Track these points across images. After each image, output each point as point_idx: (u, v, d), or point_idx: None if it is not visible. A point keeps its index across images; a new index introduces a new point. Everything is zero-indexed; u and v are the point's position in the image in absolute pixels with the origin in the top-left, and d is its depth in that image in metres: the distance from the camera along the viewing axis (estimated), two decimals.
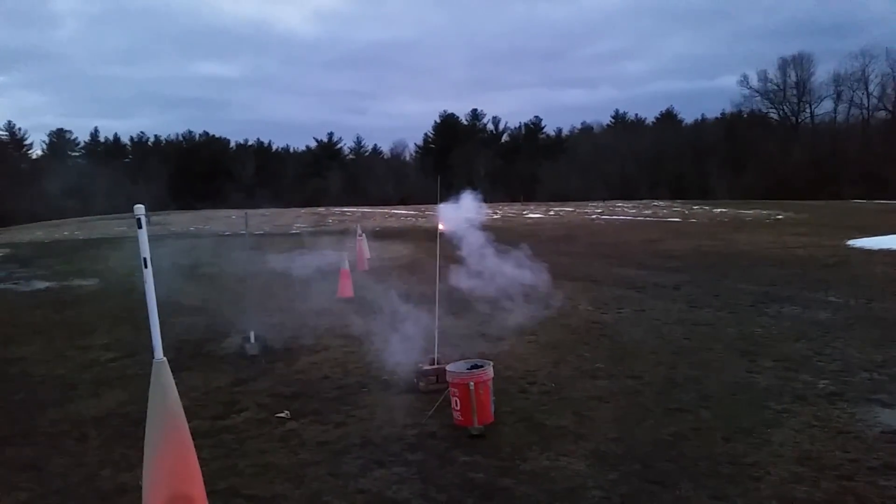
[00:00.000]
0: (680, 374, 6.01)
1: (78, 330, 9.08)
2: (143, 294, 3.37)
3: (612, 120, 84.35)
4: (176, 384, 3.39)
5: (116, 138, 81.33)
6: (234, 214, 41.81)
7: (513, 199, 56.65)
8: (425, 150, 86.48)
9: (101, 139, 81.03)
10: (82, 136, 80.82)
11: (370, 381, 6.10)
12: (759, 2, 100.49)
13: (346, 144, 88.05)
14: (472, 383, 4.70)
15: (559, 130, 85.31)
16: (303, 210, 49.85)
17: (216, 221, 38.88)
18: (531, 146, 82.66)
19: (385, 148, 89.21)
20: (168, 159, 76.65)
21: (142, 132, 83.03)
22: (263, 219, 38.22)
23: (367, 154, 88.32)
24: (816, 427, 4.64)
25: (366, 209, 50.19)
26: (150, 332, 3.36)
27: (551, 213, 40.52)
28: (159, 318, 3.37)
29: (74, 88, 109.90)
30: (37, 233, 34.79)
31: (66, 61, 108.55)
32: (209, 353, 7.48)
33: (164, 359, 3.34)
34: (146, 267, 3.35)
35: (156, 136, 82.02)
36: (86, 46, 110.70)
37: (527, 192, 63.74)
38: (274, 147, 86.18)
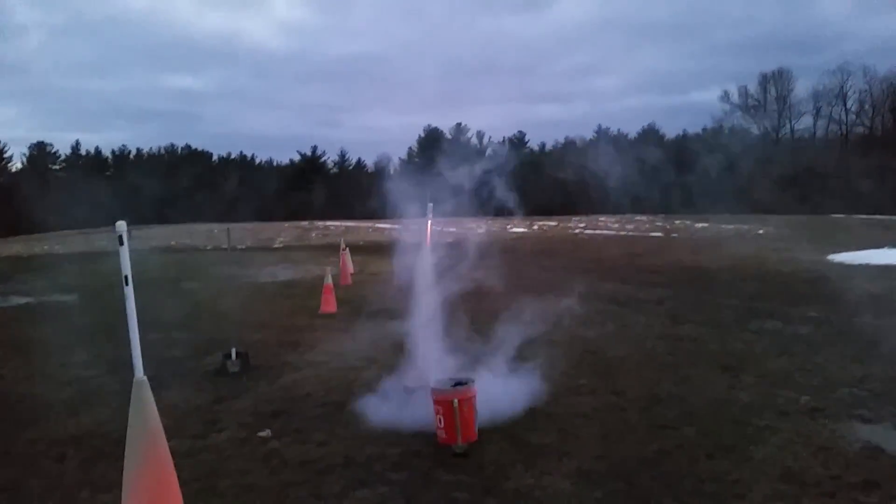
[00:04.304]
0: (663, 391, 6.03)
1: (57, 347, 8.93)
2: (124, 310, 3.34)
3: (595, 135, 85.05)
4: (156, 402, 3.36)
5: (98, 151, 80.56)
6: (217, 228, 41.54)
7: (497, 214, 56.69)
8: (410, 164, 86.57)
9: (83, 152, 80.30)
10: (63, 150, 79.98)
11: (353, 399, 6.05)
12: (728, 17, 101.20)
13: (330, 158, 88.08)
14: (456, 400, 4.69)
15: (542, 145, 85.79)
16: (286, 224, 49.67)
17: (198, 235, 38.61)
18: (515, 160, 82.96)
19: (369, 162, 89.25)
20: (150, 173, 76.13)
21: (123, 145, 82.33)
22: (246, 233, 38.02)
23: (351, 168, 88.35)
24: (798, 443, 4.67)
25: (350, 223, 50.09)
26: (130, 348, 3.33)
27: (535, 227, 40.70)
28: (139, 334, 3.34)
29: (44, 101, 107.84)
30: (15, 247, 34.33)
31: (33, 74, 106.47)
32: (190, 371, 7.39)
33: (145, 377, 3.31)
34: (126, 284, 3.33)
35: (138, 149, 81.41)
36: (53, 58, 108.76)
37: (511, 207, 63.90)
38: (257, 160, 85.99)
